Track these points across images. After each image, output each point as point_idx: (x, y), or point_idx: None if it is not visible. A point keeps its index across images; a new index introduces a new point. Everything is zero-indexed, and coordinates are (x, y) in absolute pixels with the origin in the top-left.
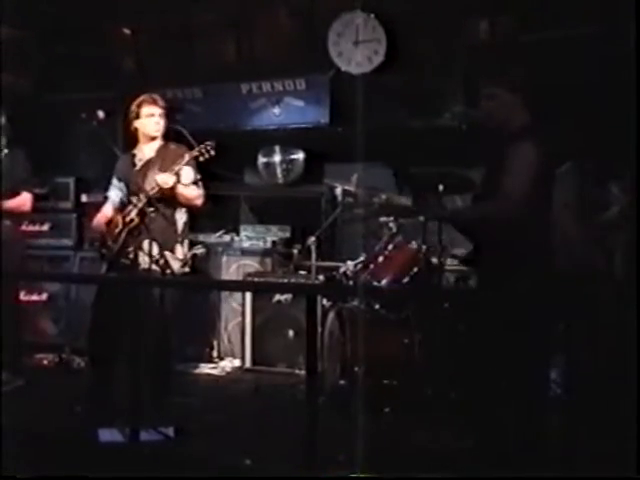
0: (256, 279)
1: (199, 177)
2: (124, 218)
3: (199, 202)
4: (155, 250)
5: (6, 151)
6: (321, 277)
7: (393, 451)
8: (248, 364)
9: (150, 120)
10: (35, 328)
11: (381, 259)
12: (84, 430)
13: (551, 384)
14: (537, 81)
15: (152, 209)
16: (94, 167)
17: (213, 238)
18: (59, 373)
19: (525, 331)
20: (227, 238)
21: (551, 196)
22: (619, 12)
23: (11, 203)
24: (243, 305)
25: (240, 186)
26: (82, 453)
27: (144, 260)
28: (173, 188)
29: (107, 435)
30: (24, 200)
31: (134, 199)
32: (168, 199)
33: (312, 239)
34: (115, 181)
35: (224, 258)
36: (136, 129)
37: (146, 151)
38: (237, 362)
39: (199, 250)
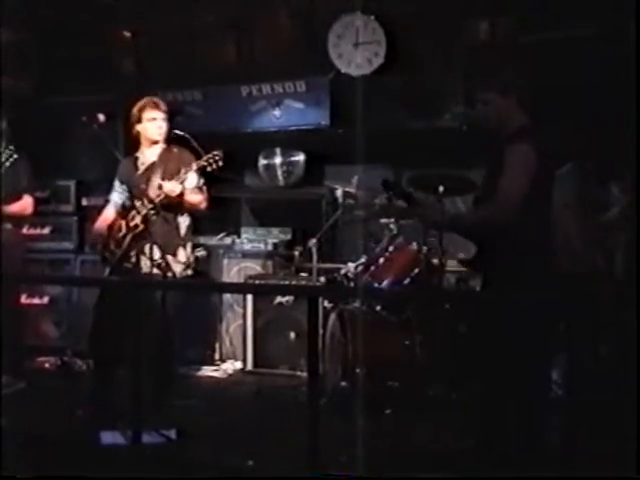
0: (257, 281)
1: (203, 182)
2: (128, 223)
3: (203, 206)
4: (157, 254)
5: (15, 156)
6: (322, 279)
7: (394, 452)
8: (250, 366)
9: (152, 124)
10: (37, 331)
11: (382, 260)
12: (86, 433)
13: (552, 385)
14: (537, 82)
15: (155, 212)
16: (95, 170)
17: (214, 241)
18: (61, 376)
19: (526, 332)
20: (228, 240)
21: (551, 197)
22: (618, 13)
23: (13, 207)
24: (244, 307)
25: (241, 188)
26: (84, 456)
27: (146, 264)
28: (180, 195)
29: (109, 438)
30: (26, 204)
31: (138, 204)
32: (172, 204)
33: (313, 241)
34: (117, 184)
35: (225, 261)
36: (138, 133)
37: (148, 155)
38: (239, 364)
39: (200, 252)
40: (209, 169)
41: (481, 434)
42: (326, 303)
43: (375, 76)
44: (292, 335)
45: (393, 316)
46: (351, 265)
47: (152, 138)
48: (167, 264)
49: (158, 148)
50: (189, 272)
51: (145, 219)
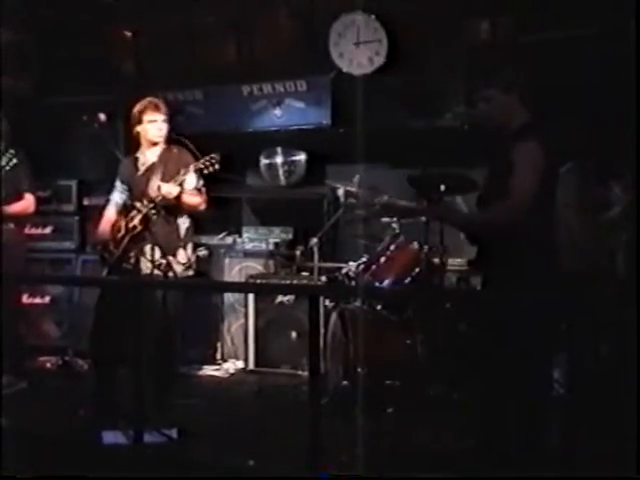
0: (258, 281)
1: (202, 183)
2: (127, 224)
3: (202, 208)
4: (157, 255)
5: (15, 161)
6: (323, 278)
7: (395, 451)
8: (251, 365)
9: (152, 126)
10: (38, 331)
11: (383, 260)
12: (88, 432)
13: (554, 384)
14: (537, 81)
15: (154, 212)
16: (96, 170)
17: (215, 240)
18: (62, 376)
19: (527, 331)
20: (229, 240)
21: (555, 195)
22: (618, 12)
23: (16, 207)
24: (246, 307)
25: (242, 188)
26: (86, 456)
27: (146, 265)
28: (178, 197)
29: (111, 437)
30: (28, 204)
31: (137, 204)
32: (171, 205)
33: (314, 240)
34: (119, 184)
35: (226, 260)
36: (138, 134)
37: (149, 155)
38: (240, 364)
39: (202, 252)
40: (206, 172)
41: (482, 434)
42: (327, 302)
43: (376, 75)
44: (293, 334)
45: (394, 315)
46: (352, 264)
47: (152, 140)
48: (169, 264)
49: (158, 149)
50: (190, 273)
51: (144, 220)
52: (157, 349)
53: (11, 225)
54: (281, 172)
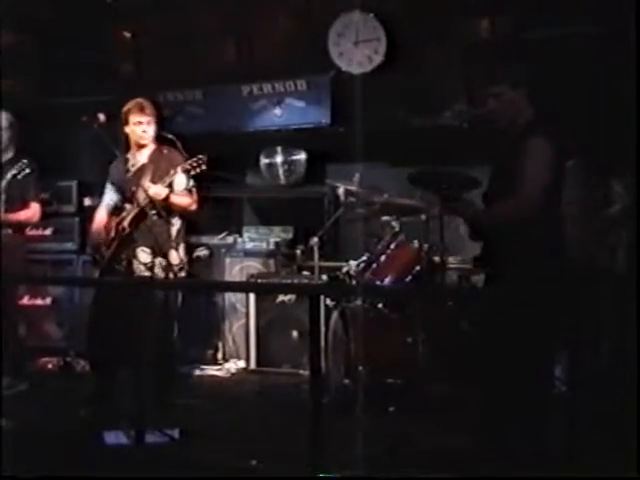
0: (259, 280)
1: (192, 184)
2: (117, 226)
3: (192, 208)
4: (149, 257)
5: (28, 171)
6: (324, 277)
7: (397, 450)
8: (253, 365)
9: (138, 128)
10: (40, 332)
11: (383, 258)
12: (89, 433)
13: (555, 382)
14: (539, 79)
15: (145, 214)
16: (96, 171)
17: (216, 240)
18: (64, 376)
19: (529, 328)
20: (230, 240)
21: (561, 192)
22: (620, 10)
23: (21, 215)
24: (247, 306)
25: (242, 188)
26: (87, 456)
27: (139, 268)
28: (166, 198)
29: (112, 438)
30: (33, 212)
31: (128, 206)
32: (162, 206)
33: (315, 239)
34: (109, 185)
35: (227, 260)
36: (127, 135)
37: (138, 157)
38: (242, 363)
39: (202, 252)
40: (193, 172)
41: (484, 432)
42: (328, 301)
43: (376, 74)
44: (295, 334)
45: (395, 314)
46: (353, 263)
47: (138, 142)
48: (169, 264)
49: (148, 150)
50: (182, 274)
51: (133, 222)
52: (155, 349)
53: (9, 230)
54: (281, 171)
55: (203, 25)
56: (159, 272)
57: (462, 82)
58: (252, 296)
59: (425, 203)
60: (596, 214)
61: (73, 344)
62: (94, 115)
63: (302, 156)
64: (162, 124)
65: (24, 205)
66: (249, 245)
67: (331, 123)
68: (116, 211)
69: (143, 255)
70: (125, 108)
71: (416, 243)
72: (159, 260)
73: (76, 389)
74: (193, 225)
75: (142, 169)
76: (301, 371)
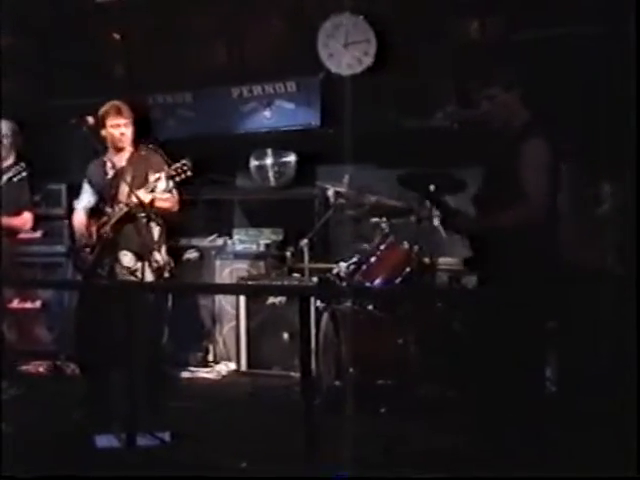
0: (249, 282)
1: (172, 185)
2: (99, 229)
3: (175, 209)
4: (132, 261)
5: (24, 174)
6: (314, 279)
7: (388, 451)
8: (243, 367)
9: (115, 131)
10: (30, 335)
11: (373, 260)
12: (81, 436)
13: (546, 382)
14: (533, 80)
15: (127, 218)
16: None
17: (206, 242)
18: (54, 380)
19: (520, 329)
20: (220, 242)
21: (556, 194)
22: (615, 11)
23: (14, 221)
24: (237, 309)
25: (232, 190)
26: (79, 459)
27: (121, 272)
28: (150, 202)
29: (104, 441)
30: (26, 220)
31: (108, 210)
32: (144, 210)
33: (304, 241)
34: (87, 187)
35: (217, 262)
36: (104, 137)
37: (116, 159)
38: (232, 365)
39: (192, 254)
40: (178, 179)
41: (476, 432)
42: (319, 303)
43: (365, 76)
44: (285, 335)
45: (385, 315)
46: (343, 265)
47: (116, 145)
48: (159, 267)
49: (126, 152)
50: (165, 275)
51: (116, 226)
52: (146, 352)
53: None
54: (271, 173)
55: (193, 27)
56: (148, 275)
57: (453, 84)
58: (242, 298)
59: (414, 205)
60: (586, 215)
61: (63, 347)
62: (83, 117)
63: (292, 158)
64: (145, 126)
65: (18, 210)
66: (239, 247)
67: (321, 125)
68: (95, 213)
69: (126, 259)
70: (102, 111)
71: (406, 244)
72: (144, 263)
73: (67, 392)
74: (181, 227)
75: (121, 172)
76: (292, 373)
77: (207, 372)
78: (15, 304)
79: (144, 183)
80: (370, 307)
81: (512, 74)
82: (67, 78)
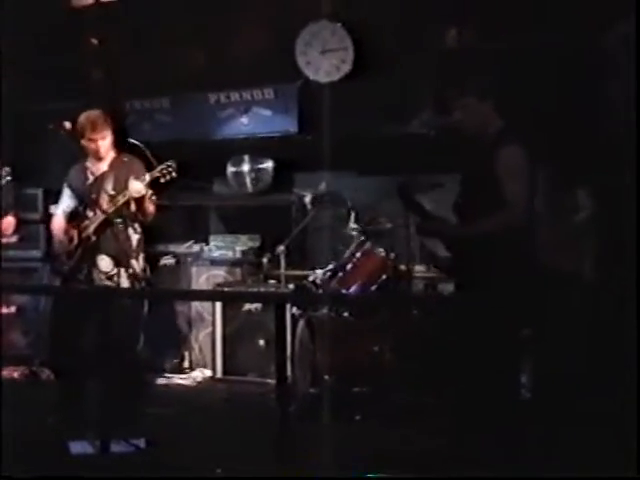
0: (226, 289)
1: (150, 193)
2: (80, 234)
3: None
4: (109, 266)
5: (9, 179)
6: (290, 286)
7: (364, 458)
8: (219, 374)
9: (92, 145)
10: (4, 340)
11: (349, 267)
12: (55, 442)
13: (521, 388)
14: (505, 88)
15: (108, 223)
16: (62, 178)
17: (182, 248)
18: (29, 385)
19: (497, 336)
20: (197, 248)
21: (533, 200)
22: (586, 20)
23: None
24: (213, 315)
25: (209, 196)
26: (54, 466)
27: (99, 276)
28: (140, 204)
29: (78, 447)
30: (8, 224)
31: (90, 214)
32: (124, 215)
33: (281, 248)
34: (68, 191)
35: (194, 268)
36: (84, 146)
37: (98, 164)
38: (208, 372)
39: (168, 260)
40: (163, 180)
41: (452, 438)
42: (295, 310)
43: (343, 83)
44: (261, 342)
45: (361, 322)
46: (319, 272)
47: (94, 157)
48: (135, 273)
49: (108, 158)
50: (143, 283)
51: (98, 230)
52: (121, 358)
53: None
54: (248, 180)
55: (171, 33)
56: (124, 281)
57: (430, 91)
58: (218, 305)
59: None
60: (562, 220)
61: (38, 353)
62: (60, 122)
63: (269, 164)
64: (123, 131)
65: (4, 214)
66: (216, 253)
67: (298, 132)
68: (75, 219)
69: (103, 264)
70: (79, 123)
71: (382, 251)
72: (122, 269)
73: (41, 398)
74: (158, 233)
75: (103, 177)
76: (267, 380)
77: (183, 378)
78: None
79: (124, 188)
80: (346, 314)
81: (486, 82)
82: (44, 83)
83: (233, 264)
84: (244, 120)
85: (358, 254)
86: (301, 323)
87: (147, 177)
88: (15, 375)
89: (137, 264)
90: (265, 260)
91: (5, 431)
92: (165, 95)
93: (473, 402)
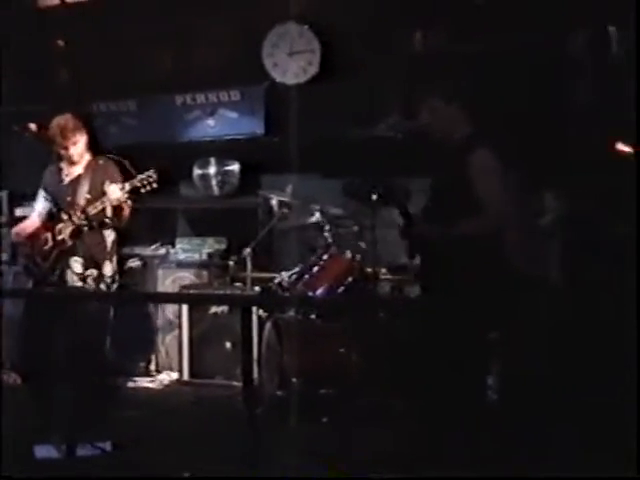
0: (192, 291)
1: (126, 197)
2: (55, 236)
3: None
4: (82, 267)
5: None
6: (257, 288)
7: (331, 460)
8: (186, 377)
9: (64, 151)
10: None
11: (316, 269)
12: (20, 447)
13: (488, 390)
14: (473, 92)
15: (83, 226)
16: (28, 180)
17: (149, 251)
18: None
19: (464, 338)
20: (163, 251)
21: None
22: (561, 22)
23: None
24: (180, 318)
25: (175, 198)
26: (19, 470)
27: (72, 278)
28: (117, 207)
29: (43, 451)
30: None
31: (65, 216)
32: (98, 218)
33: (247, 250)
34: (43, 193)
35: (160, 271)
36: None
37: (73, 167)
38: (175, 375)
39: (135, 263)
40: (143, 191)
41: (419, 440)
42: (261, 312)
43: (310, 85)
44: (228, 345)
45: (328, 324)
46: (285, 274)
47: (68, 161)
48: (101, 276)
49: (83, 161)
50: (114, 285)
51: (74, 233)
52: (87, 361)
53: None
54: (214, 182)
55: (138, 35)
56: (91, 283)
57: (397, 94)
58: (185, 307)
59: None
60: (529, 224)
61: (5, 357)
62: (25, 124)
63: (235, 167)
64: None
65: None
66: (182, 256)
67: (265, 134)
68: (50, 221)
69: (76, 265)
70: (50, 130)
71: (348, 254)
72: (91, 271)
73: (8, 403)
74: (124, 235)
75: (77, 180)
76: (234, 382)
77: (149, 381)
78: None
79: (100, 192)
80: (313, 316)
81: (453, 86)
82: (9, 85)
83: (199, 267)
84: (210, 122)
85: (325, 256)
86: (268, 325)
87: (127, 186)
88: None
89: (110, 266)
90: (231, 263)
91: None
92: (132, 98)
93: (440, 404)
